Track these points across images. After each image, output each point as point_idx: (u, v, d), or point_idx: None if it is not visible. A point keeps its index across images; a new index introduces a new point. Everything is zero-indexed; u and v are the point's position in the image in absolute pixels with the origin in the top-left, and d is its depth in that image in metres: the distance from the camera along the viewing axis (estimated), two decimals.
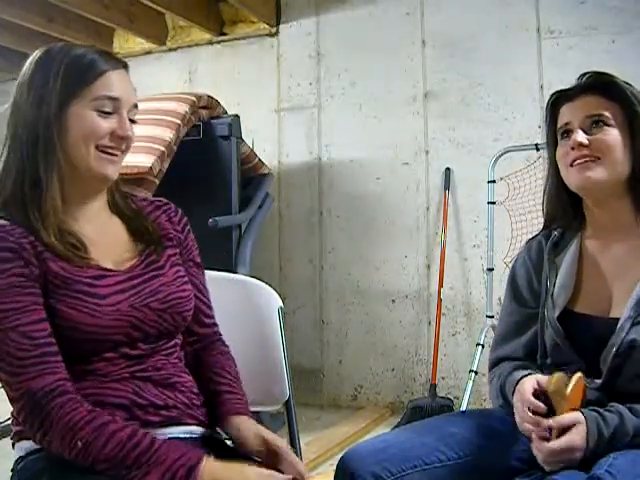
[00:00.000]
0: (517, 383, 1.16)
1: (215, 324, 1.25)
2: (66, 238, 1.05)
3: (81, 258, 1.05)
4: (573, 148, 1.20)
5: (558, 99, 1.27)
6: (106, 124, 1.07)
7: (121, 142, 1.09)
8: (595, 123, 1.19)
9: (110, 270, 1.09)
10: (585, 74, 1.25)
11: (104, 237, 1.13)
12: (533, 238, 1.36)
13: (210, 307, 1.24)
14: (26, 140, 1.05)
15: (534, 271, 1.31)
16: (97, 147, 1.07)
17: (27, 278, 1.00)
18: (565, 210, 1.29)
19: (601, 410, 1.06)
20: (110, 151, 1.08)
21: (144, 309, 1.08)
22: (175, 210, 1.24)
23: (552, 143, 1.29)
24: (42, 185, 1.04)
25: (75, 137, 1.06)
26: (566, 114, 1.24)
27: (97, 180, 1.10)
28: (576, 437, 1.03)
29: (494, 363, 1.33)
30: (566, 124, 1.23)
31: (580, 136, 1.19)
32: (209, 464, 0.95)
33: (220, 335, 1.26)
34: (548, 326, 1.23)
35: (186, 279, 1.18)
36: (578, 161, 1.20)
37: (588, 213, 1.27)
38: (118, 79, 1.08)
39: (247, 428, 1.11)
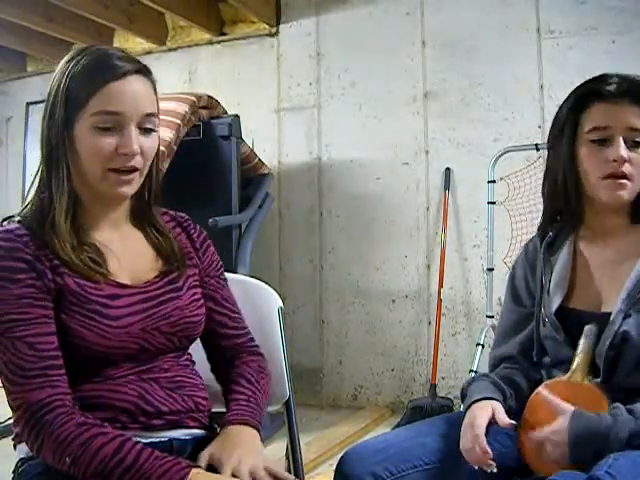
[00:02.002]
0: (470, 405, 1.20)
1: (243, 335, 1.22)
2: (84, 252, 1.04)
3: (98, 274, 1.04)
4: (615, 160, 1.14)
5: (591, 93, 1.19)
6: (108, 140, 1.01)
7: (128, 159, 1.02)
8: (635, 138, 1.15)
9: (127, 286, 1.07)
10: (622, 76, 1.18)
11: (125, 248, 1.11)
12: (530, 240, 1.37)
13: (234, 318, 1.21)
14: (43, 153, 1.05)
15: (530, 271, 1.32)
16: (109, 169, 1.03)
17: (39, 290, 1.00)
18: (569, 207, 1.27)
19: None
20: (122, 170, 1.03)
21: (154, 332, 1.07)
22: (195, 226, 1.23)
23: (572, 137, 1.21)
24: (53, 201, 1.03)
25: (83, 156, 1.03)
26: (604, 116, 1.17)
27: (109, 198, 1.09)
28: (558, 423, 1.04)
29: (493, 364, 1.35)
30: (605, 128, 1.16)
31: (624, 150, 1.14)
32: (194, 478, 0.94)
33: (250, 345, 1.22)
34: (545, 323, 1.24)
35: (201, 302, 1.16)
36: (617, 181, 1.15)
37: (589, 214, 1.26)
38: (121, 89, 1.01)
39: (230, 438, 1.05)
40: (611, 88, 1.16)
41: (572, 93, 1.24)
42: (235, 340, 1.21)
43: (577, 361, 1.15)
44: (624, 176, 1.15)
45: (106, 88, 1.00)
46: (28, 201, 1.08)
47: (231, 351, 1.21)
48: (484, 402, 1.19)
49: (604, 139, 1.17)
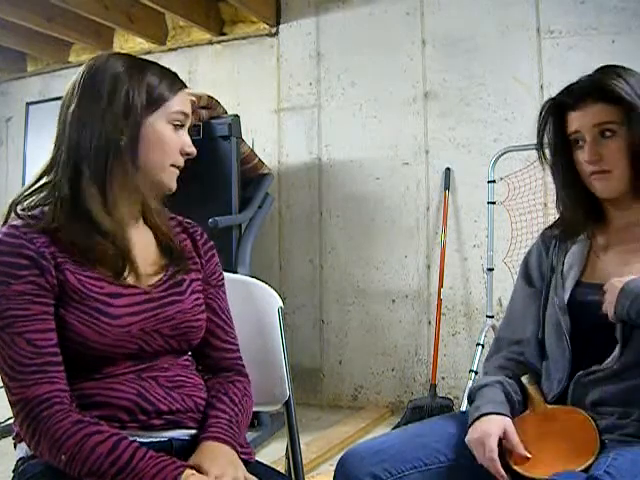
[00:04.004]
0: (479, 417, 1.19)
1: (233, 350, 1.21)
2: (101, 243, 1.06)
3: (111, 273, 1.05)
4: (588, 161, 1.23)
5: (560, 106, 1.27)
6: (178, 138, 1.11)
7: (183, 158, 1.13)
8: (604, 131, 1.21)
9: (130, 286, 1.07)
10: (586, 79, 1.25)
11: (133, 246, 1.11)
12: (548, 227, 1.39)
13: (228, 332, 1.21)
14: (99, 143, 1.04)
15: (545, 254, 1.34)
16: (170, 164, 1.11)
17: (40, 287, 1.00)
18: (586, 216, 1.29)
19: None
20: (178, 167, 1.13)
21: (154, 334, 1.08)
22: (201, 233, 1.24)
23: (564, 149, 1.29)
24: (106, 186, 1.05)
25: (149, 147, 1.08)
26: (574, 122, 1.25)
27: (157, 190, 1.12)
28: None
29: (498, 346, 1.35)
30: (576, 132, 1.25)
31: (591, 152, 1.21)
32: (188, 478, 0.94)
33: (237, 364, 1.21)
34: (554, 305, 1.25)
35: (203, 308, 1.16)
36: (595, 175, 1.23)
37: (607, 213, 1.29)
38: (186, 98, 1.14)
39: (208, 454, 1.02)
40: (571, 99, 1.24)
41: (546, 107, 1.30)
42: (225, 354, 1.20)
43: (532, 393, 1.23)
44: (603, 170, 1.22)
45: (182, 92, 1.12)
46: (35, 193, 1.07)
47: (219, 364, 1.20)
48: (495, 417, 1.18)
49: (579, 141, 1.25)
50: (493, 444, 1.12)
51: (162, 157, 1.09)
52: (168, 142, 1.09)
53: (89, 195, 1.05)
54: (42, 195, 1.06)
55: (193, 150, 1.13)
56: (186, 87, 1.14)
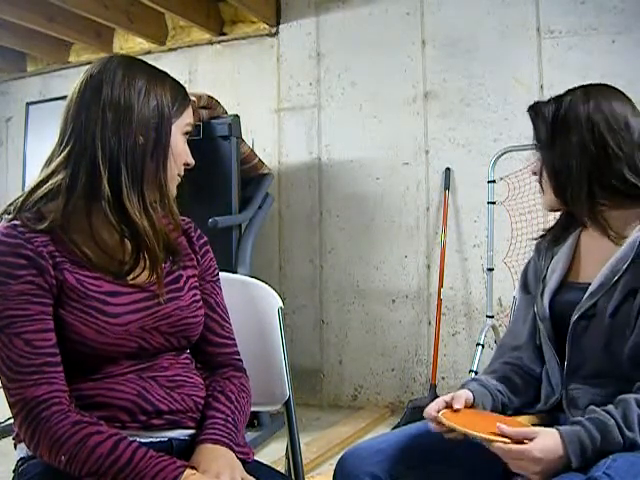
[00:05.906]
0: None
1: (230, 345, 1.21)
2: (99, 245, 1.06)
3: (103, 268, 1.05)
4: None
5: None
6: (185, 148, 1.13)
7: (185, 168, 1.15)
8: None
9: (127, 284, 1.08)
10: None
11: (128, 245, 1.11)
12: (540, 236, 1.40)
13: (224, 327, 1.21)
14: (137, 138, 1.04)
15: (538, 261, 1.36)
16: (178, 173, 1.13)
17: (39, 287, 1.00)
18: (571, 220, 1.33)
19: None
20: (179, 176, 1.14)
21: (153, 331, 1.08)
22: (195, 230, 1.24)
23: None
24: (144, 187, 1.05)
25: (172, 154, 1.09)
26: None
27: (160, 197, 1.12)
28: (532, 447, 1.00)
29: (500, 352, 1.36)
30: None
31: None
32: (188, 478, 0.94)
33: (234, 358, 1.22)
34: (537, 314, 1.27)
35: (200, 304, 1.17)
36: None
37: None
38: (191, 110, 1.15)
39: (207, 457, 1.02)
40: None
41: None
42: (222, 349, 1.20)
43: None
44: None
45: (190, 104, 1.14)
46: (41, 193, 1.04)
47: (216, 360, 1.20)
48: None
49: None
50: (433, 403, 1.15)
51: (176, 166, 1.11)
52: (180, 153, 1.11)
53: (126, 194, 1.04)
54: (40, 194, 1.05)
55: (192, 161, 1.15)
56: (190, 99, 1.16)
